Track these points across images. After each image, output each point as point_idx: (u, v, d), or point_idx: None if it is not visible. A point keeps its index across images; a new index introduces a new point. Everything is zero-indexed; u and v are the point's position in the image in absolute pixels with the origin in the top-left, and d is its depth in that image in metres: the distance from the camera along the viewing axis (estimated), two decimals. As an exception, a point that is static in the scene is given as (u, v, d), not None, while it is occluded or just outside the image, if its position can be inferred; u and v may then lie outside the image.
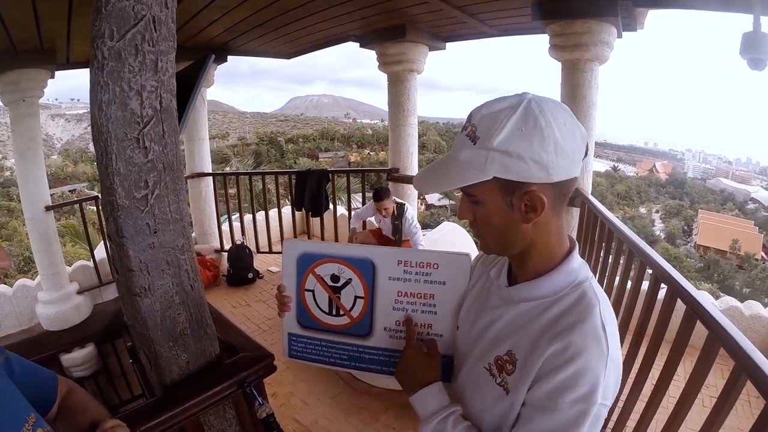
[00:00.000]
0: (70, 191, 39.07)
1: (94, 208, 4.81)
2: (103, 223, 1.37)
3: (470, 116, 0.72)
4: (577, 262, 0.77)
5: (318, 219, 4.94)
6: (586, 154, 0.73)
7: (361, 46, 4.41)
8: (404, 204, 3.97)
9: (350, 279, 0.96)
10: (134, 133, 1.13)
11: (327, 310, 0.99)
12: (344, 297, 0.97)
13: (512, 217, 0.73)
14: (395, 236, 4.00)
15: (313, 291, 0.99)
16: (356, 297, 0.97)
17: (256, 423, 1.47)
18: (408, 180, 4.61)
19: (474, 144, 0.70)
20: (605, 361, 0.67)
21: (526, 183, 0.69)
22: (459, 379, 0.88)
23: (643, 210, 49.30)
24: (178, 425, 1.31)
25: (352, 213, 4.70)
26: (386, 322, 0.96)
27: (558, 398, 0.66)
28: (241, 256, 4.74)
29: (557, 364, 0.67)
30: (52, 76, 3.91)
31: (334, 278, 0.97)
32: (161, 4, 1.15)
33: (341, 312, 0.98)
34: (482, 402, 0.78)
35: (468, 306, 0.91)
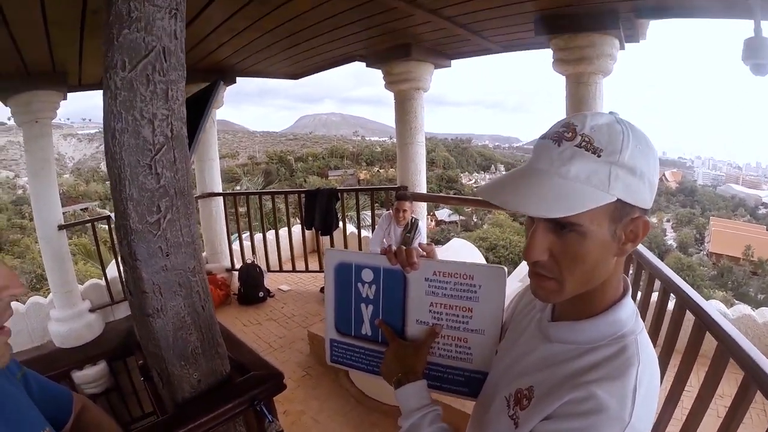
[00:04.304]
0: (82, 210, 39.56)
1: (106, 227, 4.88)
2: (117, 245, 1.40)
3: (571, 125, 0.61)
4: (626, 313, 0.69)
5: (328, 237, 4.94)
6: None
7: (367, 66, 4.44)
8: (418, 220, 4.04)
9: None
10: (146, 160, 1.16)
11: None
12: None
13: (609, 250, 0.63)
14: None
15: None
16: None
17: (266, 440, 1.48)
18: (418, 198, 4.59)
19: (598, 156, 0.59)
20: (622, 429, 0.59)
21: (636, 208, 0.62)
22: (484, 401, 0.85)
23: (654, 220, 48.82)
24: (190, 443, 1.33)
25: (369, 236, 4.58)
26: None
27: None
28: (252, 275, 4.76)
29: (574, 411, 0.61)
30: (65, 98, 3.95)
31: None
32: (170, 35, 1.18)
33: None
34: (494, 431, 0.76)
35: (508, 333, 0.88)
